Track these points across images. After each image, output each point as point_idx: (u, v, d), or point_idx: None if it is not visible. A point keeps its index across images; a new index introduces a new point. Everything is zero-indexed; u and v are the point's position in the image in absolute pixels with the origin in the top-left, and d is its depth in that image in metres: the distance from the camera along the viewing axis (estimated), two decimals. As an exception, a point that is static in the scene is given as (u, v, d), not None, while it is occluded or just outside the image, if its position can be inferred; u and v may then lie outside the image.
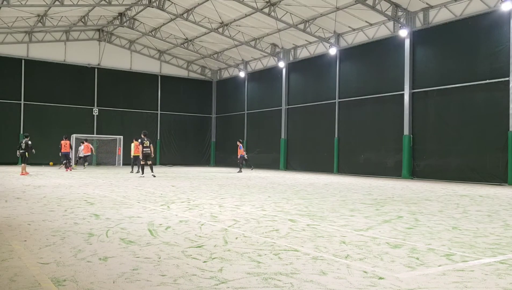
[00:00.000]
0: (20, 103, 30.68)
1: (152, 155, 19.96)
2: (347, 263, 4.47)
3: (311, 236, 5.89)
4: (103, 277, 3.82)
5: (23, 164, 19.44)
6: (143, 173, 19.36)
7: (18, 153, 19.73)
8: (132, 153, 23.54)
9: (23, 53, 30.82)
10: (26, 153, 19.38)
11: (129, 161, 32.38)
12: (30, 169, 24.48)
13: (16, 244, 5.08)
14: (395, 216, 7.92)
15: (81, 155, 26.69)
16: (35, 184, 13.92)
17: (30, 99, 30.90)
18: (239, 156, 25.73)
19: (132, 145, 23.58)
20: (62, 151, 24.23)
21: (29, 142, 19.60)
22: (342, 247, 5.24)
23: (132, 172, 22.79)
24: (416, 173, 21.50)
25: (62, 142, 24.27)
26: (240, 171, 25.19)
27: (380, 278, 3.96)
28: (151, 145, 19.58)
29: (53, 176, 18.97)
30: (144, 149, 19.17)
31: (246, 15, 25.53)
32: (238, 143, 26.23)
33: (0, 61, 29.95)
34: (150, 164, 19.48)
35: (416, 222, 7.25)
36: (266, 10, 23.83)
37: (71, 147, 25.39)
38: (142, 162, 19.49)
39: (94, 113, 33.22)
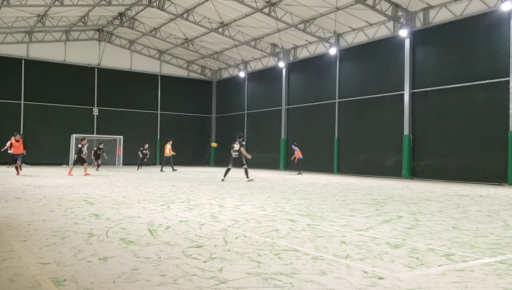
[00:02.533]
0: (20, 103, 30.68)
1: (249, 156, 18.00)
2: (347, 263, 4.47)
3: (311, 236, 5.89)
4: (103, 277, 3.82)
5: (84, 164, 20.15)
6: (224, 176, 17.66)
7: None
8: (167, 153, 25.91)
9: (23, 53, 30.81)
10: (76, 155, 20.23)
11: (129, 161, 32.61)
12: (30, 169, 24.50)
13: (16, 244, 5.08)
14: (395, 216, 7.92)
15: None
16: (35, 184, 13.91)
17: (30, 99, 30.90)
18: (297, 158, 24.02)
19: (168, 146, 26.06)
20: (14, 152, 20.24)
21: (79, 145, 20.11)
22: (342, 247, 5.23)
23: (162, 171, 24.95)
24: (416, 173, 21.49)
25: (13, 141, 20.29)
26: (300, 173, 23.71)
27: (380, 278, 3.96)
28: (242, 147, 17.53)
29: (53, 176, 18.96)
30: (233, 153, 17.47)
31: (246, 15, 25.52)
32: (293, 146, 24.50)
33: (0, 61, 29.95)
34: (245, 168, 17.83)
35: (416, 222, 7.25)
36: (266, 10, 23.82)
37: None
38: (229, 166, 17.75)
39: (94, 113, 33.22)
